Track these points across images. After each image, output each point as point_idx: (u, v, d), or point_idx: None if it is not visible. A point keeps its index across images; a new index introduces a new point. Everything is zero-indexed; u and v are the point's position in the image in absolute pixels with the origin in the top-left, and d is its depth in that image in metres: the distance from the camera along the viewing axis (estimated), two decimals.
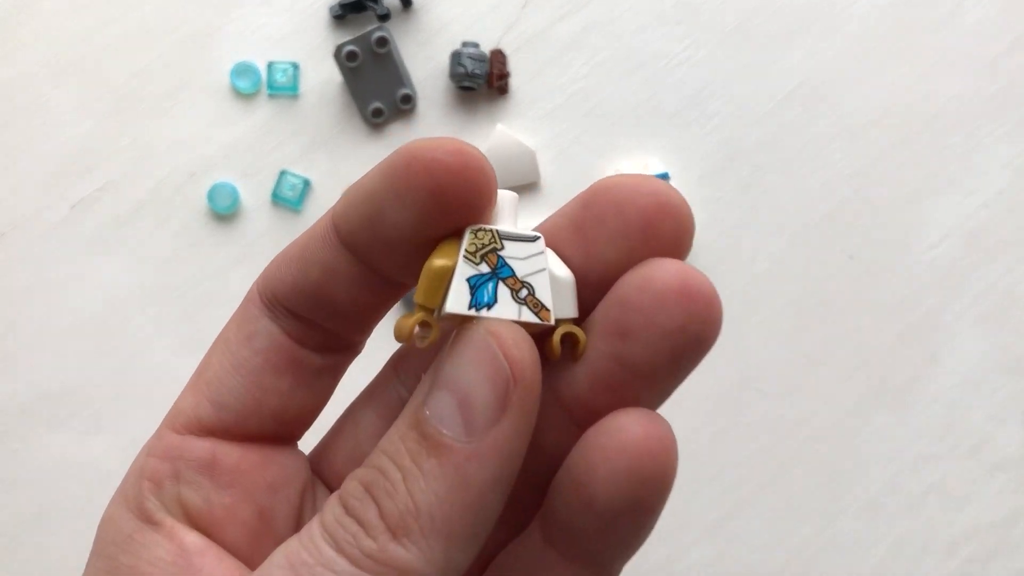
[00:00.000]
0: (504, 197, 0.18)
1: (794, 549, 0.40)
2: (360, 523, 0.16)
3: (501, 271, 0.17)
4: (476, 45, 0.41)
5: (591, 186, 0.18)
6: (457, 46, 0.41)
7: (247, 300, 0.20)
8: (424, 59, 0.41)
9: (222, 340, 0.20)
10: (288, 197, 0.40)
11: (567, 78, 0.42)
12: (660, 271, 0.17)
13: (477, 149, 0.16)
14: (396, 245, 0.17)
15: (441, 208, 0.17)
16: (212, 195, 0.40)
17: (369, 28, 0.40)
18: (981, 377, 0.41)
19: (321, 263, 0.18)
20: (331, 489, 0.20)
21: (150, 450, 0.19)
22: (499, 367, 0.16)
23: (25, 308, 0.41)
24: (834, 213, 0.42)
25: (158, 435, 0.19)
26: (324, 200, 0.41)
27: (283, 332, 0.19)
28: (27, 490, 0.41)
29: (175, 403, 0.20)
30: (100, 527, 0.19)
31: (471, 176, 0.16)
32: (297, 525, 0.20)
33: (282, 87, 0.41)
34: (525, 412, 0.16)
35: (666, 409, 0.40)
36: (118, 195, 0.41)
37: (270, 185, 0.41)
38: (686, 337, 0.17)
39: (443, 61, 0.41)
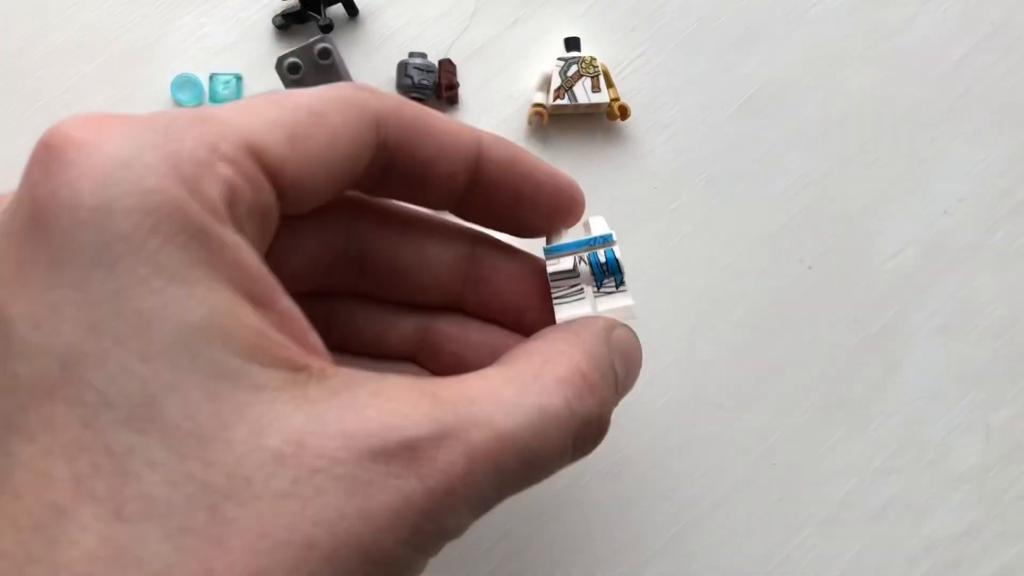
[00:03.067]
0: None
1: (753, 565, 0.39)
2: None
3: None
4: (424, 55, 0.40)
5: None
6: (404, 56, 0.40)
7: (366, 122, 0.21)
8: (371, 70, 0.40)
9: (326, 125, 0.20)
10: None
11: (518, 87, 0.41)
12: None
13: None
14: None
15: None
16: None
17: (312, 39, 0.38)
18: (941, 388, 0.41)
19: (456, 166, 0.23)
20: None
21: (219, 151, 0.17)
22: (639, 365, 0.26)
23: None
24: (791, 222, 0.41)
25: (235, 144, 0.17)
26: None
27: (367, 170, 0.22)
28: None
29: (251, 122, 0.18)
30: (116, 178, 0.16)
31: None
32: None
33: (224, 99, 0.40)
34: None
35: (620, 421, 0.39)
36: None
37: None
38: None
39: (390, 72, 0.40)
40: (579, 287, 0.26)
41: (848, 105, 0.42)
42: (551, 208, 0.25)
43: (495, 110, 0.41)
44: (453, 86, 0.40)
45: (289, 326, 0.18)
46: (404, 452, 0.17)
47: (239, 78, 0.40)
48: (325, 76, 0.39)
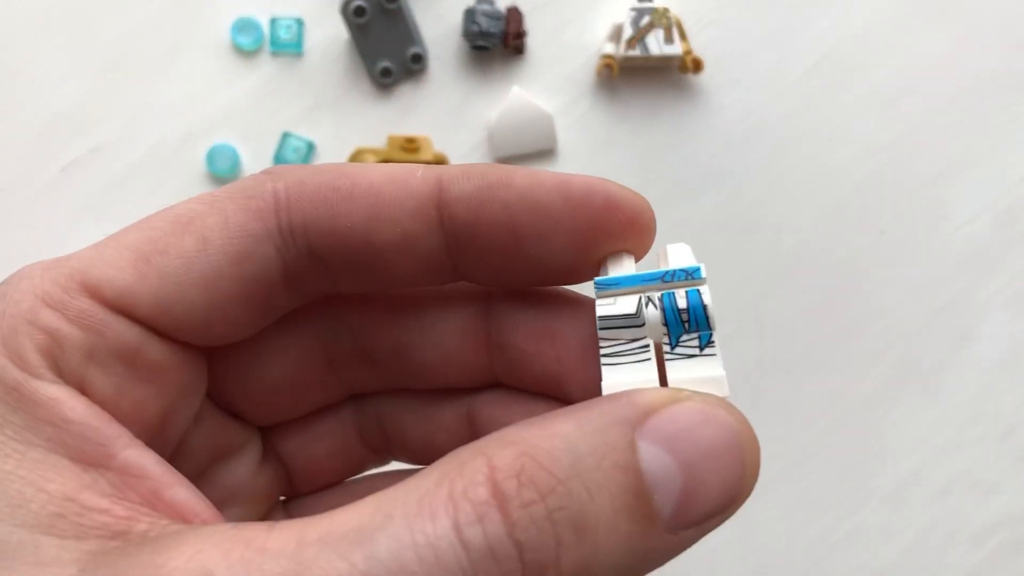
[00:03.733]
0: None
1: (813, 539, 0.38)
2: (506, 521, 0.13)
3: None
4: (491, 2, 0.38)
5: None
6: (471, 3, 0.38)
7: (252, 211, 0.17)
8: (436, 16, 0.39)
9: (194, 230, 0.16)
10: (291, 160, 0.38)
11: (587, 38, 0.40)
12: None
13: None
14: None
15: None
16: (211, 158, 0.38)
17: None
18: (1014, 360, 0.40)
19: (402, 225, 0.17)
20: (222, 405, 0.19)
21: (46, 298, 0.16)
22: (739, 476, 0.15)
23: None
24: (864, 187, 0.40)
25: (64, 287, 0.16)
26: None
27: (282, 266, 0.17)
28: None
29: (96, 255, 0.16)
30: None
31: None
32: (186, 432, 0.18)
33: (286, 44, 0.39)
34: (720, 523, 0.15)
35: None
36: (111, 157, 0.39)
37: (272, 148, 0.39)
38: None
39: (456, 19, 0.39)
40: (644, 343, 0.17)
41: (922, 68, 0.41)
42: (571, 229, 0.17)
43: (563, 61, 0.39)
44: (521, 35, 0.38)
45: (135, 483, 0.15)
46: None
47: (300, 22, 0.39)
48: (392, 21, 0.38)
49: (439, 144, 0.38)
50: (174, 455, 0.18)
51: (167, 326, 0.16)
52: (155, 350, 0.17)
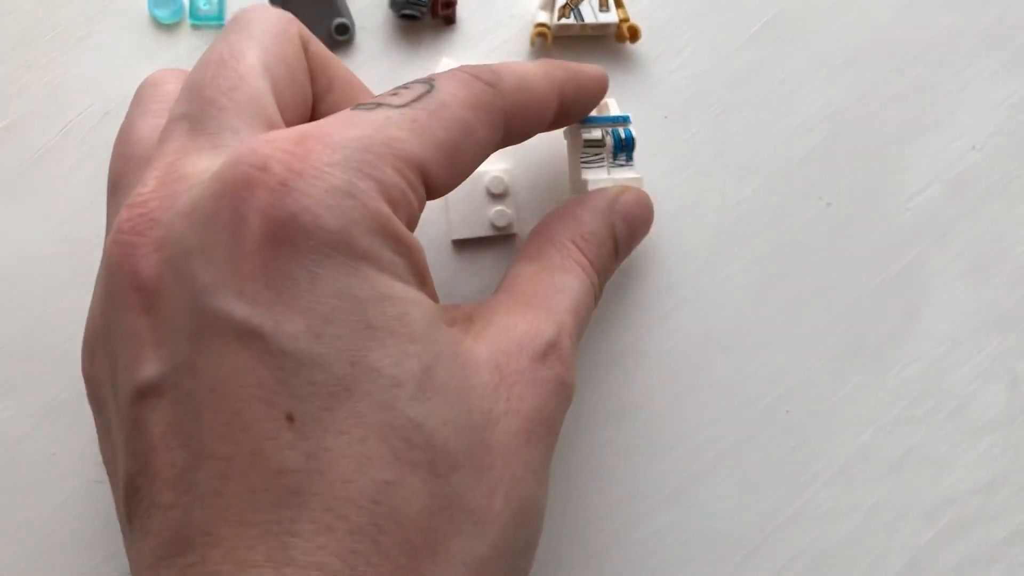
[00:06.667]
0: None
1: (761, 517, 0.37)
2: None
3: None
4: None
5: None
6: None
7: (497, 114, 0.25)
8: None
9: (470, 135, 0.24)
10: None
11: (520, 7, 0.38)
12: None
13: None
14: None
15: None
16: None
17: None
18: (965, 334, 0.39)
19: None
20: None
21: (407, 179, 0.21)
22: (651, 222, 0.34)
23: None
24: (810, 156, 0.39)
25: (416, 170, 0.22)
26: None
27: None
28: None
29: (425, 152, 0.22)
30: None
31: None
32: None
33: (206, 17, 0.37)
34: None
35: (625, 366, 0.37)
36: (23, 136, 0.37)
37: None
38: None
39: None
40: (601, 156, 0.33)
41: (871, 32, 0.39)
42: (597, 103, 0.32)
43: (495, 31, 0.38)
44: (450, 3, 0.37)
45: (433, 289, 0.23)
46: (551, 350, 0.24)
47: None
48: None
49: None
50: None
51: (437, 196, 0.23)
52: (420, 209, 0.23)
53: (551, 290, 0.26)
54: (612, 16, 0.37)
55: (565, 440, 0.37)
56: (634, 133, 0.34)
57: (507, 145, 0.27)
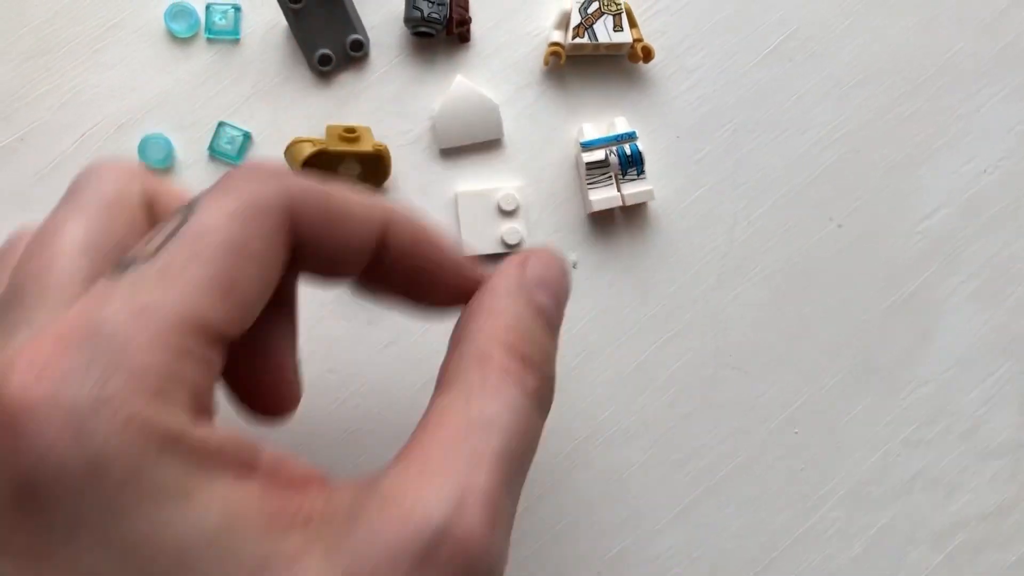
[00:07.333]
0: None
1: (771, 538, 0.37)
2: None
3: None
4: None
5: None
6: None
7: (277, 229, 0.20)
8: (377, 2, 0.38)
9: (248, 254, 0.19)
10: (226, 151, 0.37)
11: (534, 26, 0.38)
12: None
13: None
14: None
15: None
16: (143, 148, 0.37)
17: None
18: (975, 357, 0.39)
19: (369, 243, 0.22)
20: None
21: (173, 350, 0.17)
22: (568, 286, 0.25)
23: None
24: (822, 178, 0.39)
25: (183, 330, 0.17)
26: (265, 155, 0.37)
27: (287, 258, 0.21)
28: None
29: (191, 298, 0.18)
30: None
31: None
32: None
33: (222, 31, 0.37)
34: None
35: (635, 384, 0.37)
36: (38, 146, 0.37)
37: (207, 138, 0.37)
38: None
39: (398, 4, 0.37)
40: (608, 175, 0.35)
41: (884, 54, 0.39)
42: (451, 290, 0.24)
43: (509, 49, 0.38)
44: (465, 22, 0.37)
45: (279, 475, 0.18)
46: (438, 544, 0.17)
47: (237, 8, 0.37)
48: (330, 6, 0.36)
49: (380, 134, 0.37)
50: None
51: (234, 337, 0.19)
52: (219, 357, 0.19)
53: (463, 431, 0.19)
54: (626, 36, 0.37)
55: (574, 458, 0.37)
56: (641, 148, 0.35)
57: (322, 270, 0.22)
